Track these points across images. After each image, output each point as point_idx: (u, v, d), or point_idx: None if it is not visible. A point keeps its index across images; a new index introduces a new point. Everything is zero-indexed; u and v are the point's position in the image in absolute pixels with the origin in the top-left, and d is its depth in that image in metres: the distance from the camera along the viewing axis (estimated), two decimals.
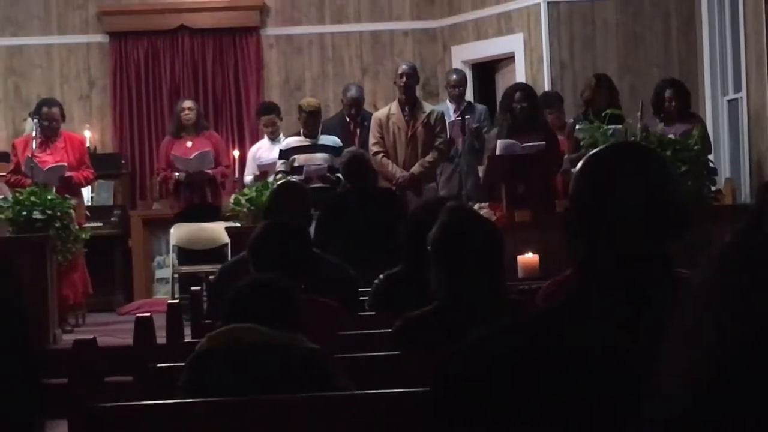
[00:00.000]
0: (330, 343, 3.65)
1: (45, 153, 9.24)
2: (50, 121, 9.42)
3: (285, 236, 4.32)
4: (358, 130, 10.20)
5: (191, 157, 9.92)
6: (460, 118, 9.62)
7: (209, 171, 9.99)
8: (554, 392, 1.80)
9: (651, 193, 2.00)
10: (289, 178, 8.56)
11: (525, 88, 9.19)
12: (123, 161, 11.72)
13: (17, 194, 8.57)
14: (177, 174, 10.00)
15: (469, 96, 11.05)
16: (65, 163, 9.33)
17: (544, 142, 8.66)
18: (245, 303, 3.42)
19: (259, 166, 10.02)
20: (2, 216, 8.43)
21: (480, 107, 10.44)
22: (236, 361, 3.23)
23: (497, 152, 8.62)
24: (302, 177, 8.95)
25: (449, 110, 10.16)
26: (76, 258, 9.10)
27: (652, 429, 0.89)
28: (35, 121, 9.45)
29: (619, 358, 1.85)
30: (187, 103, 10.31)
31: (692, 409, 0.84)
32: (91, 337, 3.33)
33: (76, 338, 3.41)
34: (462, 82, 10.38)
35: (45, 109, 9.52)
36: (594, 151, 2.18)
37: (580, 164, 2.11)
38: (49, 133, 9.39)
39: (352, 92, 10.41)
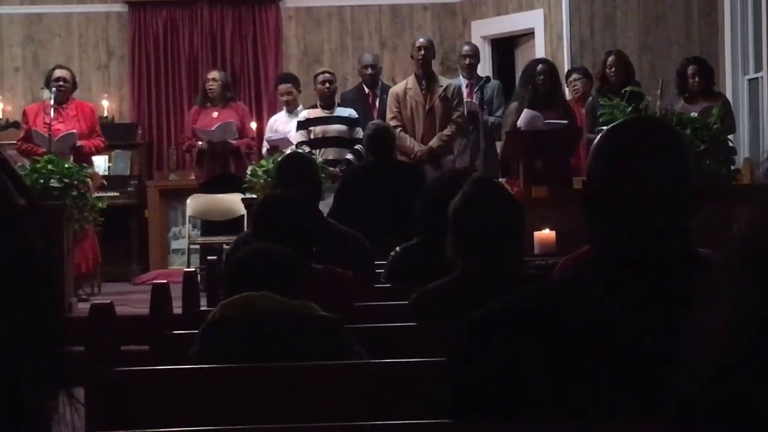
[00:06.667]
0: (346, 313, 3.65)
1: (57, 121, 9.22)
2: (62, 83, 9.38)
3: (285, 207, 4.26)
4: (377, 102, 10.15)
5: (213, 128, 9.91)
6: (474, 100, 9.60)
7: (233, 142, 9.99)
8: (566, 359, 1.80)
9: (667, 167, 1.99)
10: (308, 149, 8.59)
11: (547, 62, 9.21)
12: (140, 131, 11.72)
13: (35, 162, 8.56)
14: (200, 143, 10.01)
15: (488, 71, 10.99)
16: (74, 130, 9.30)
17: (566, 121, 8.68)
18: (245, 272, 3.42)
19: (269, 141, 9.98)
20: None
21: (493, 82, 10.34)
22: (250, 328, 3.21)
23: (519, 122, 8.63)
24: (323, 151, 8.96)
25: (462, 83, 10.11)
26: (87, 226, 9.10)
27: (676, 401, 0.88)
28: (53, 89, 9.43)
29: (630, 330, 1.84)
30: (212, 74, 10.29)
31: (720, 381, 0.83)
32: (108, 301, 3.34)
33: (93, 303, 3.41)
34: (473, 54, 10.27)
35: (57, 72, 9.51)
36: (611, 126, 2.16)
37: (597, 138, 2.09)
38: (61, 99, 9.36)
39: (368, 58, 10.37)
